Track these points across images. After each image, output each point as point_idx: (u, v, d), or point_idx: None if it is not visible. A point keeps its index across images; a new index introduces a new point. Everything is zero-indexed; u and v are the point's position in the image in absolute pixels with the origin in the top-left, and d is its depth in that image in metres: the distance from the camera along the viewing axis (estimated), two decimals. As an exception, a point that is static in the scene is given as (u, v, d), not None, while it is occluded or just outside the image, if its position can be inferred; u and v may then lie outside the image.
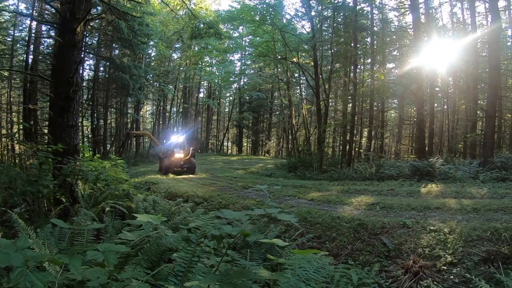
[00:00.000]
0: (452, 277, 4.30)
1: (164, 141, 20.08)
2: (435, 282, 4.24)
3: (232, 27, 29.67)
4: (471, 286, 4.00)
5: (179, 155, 17.26)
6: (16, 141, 14.84)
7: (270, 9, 20.97)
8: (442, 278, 4.33)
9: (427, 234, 5.38)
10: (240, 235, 1.96)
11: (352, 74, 20.21)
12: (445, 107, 27.93)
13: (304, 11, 20.25)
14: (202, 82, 42.60)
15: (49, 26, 19.20)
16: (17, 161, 9.19)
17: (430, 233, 5.39)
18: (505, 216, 5.94)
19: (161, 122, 35.91)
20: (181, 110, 38.12)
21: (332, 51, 20.27)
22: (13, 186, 5.08)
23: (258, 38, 27.90)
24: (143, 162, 25.25)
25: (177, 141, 18.78)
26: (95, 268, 2.03)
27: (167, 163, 16.76)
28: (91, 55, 25.73)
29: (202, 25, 12.72)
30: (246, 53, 35.29)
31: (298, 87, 33.36)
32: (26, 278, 1.52)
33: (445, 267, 4.50)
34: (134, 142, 32.58)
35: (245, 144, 47.13)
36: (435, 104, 24.60)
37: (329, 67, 20.58)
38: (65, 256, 1.82)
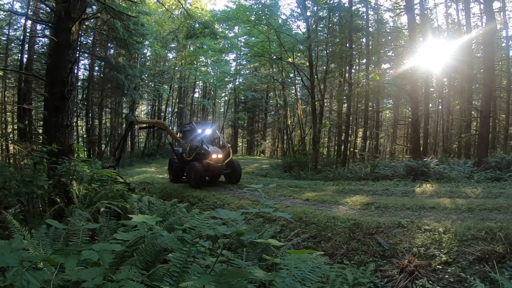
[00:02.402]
0: (447, 276, 4.32)
1: (179, 134, 14.33)
2: (430, 282, 4.26)
3: (227, 27, 29.54)
4: (466, 285, 4.03)
5: (217, 155, 11.67)
6: (10, 141, 14.72)
7: (266, 9, 20.96)
8: (437, 277, 4.36)
9: (422, 234, 5.41)
10: (235, 235, 1.96)
11: (347, 75, 20.27)
12: (440, 107, 28.12)
13: (300, 12, 20.25)
14: (197, 82, 42.45)
15: (44, 25, 19.12)
16: (11, 161, 9.10)
17: (425, 233, 5.42)
18: (499, 215, 6.00)
19: (156, 122, 35.66)
20: (176, 110, 37.99)
21: (328, 51, 20.36)
22: (7, 186, 5.04)
23: (253, 38, 27.89)
24: (139, 162, 25.11)
25: (204, 135, 12.85)
26: (91, 269, 2.02)
27: (200, 169, 11.16)
28: (86, 55, 25.52)
29: (197, 25, 12.72)
30: (242, 53, 35.15)
31: (293, 87, 33.32)
32: (22, 276, 1.51)
33: (440, 267, 4.53)
34: (129, 142, 32.34)
35: (240, 144, 47.08)
36: (430, 105, 24.74)
37: (324, 68, 20.61)
38: (60, 256, 1.81)
